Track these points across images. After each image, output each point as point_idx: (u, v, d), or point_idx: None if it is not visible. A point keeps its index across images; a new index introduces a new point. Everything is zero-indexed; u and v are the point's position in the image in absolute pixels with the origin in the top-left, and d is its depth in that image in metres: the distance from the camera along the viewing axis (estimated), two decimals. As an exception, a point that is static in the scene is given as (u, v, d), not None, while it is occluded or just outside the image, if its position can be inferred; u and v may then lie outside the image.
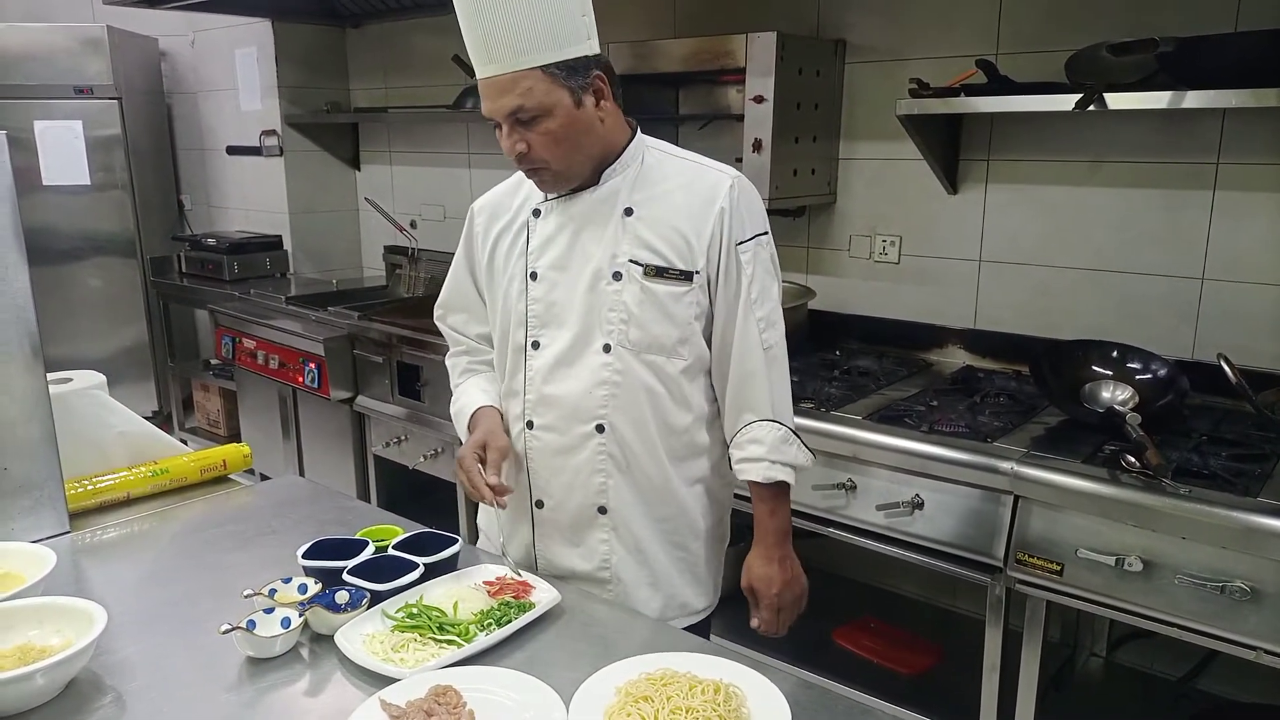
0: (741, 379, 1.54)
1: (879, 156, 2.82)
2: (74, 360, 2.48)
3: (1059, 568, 1.88)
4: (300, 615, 1.26)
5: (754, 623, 1.60)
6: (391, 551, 1.44)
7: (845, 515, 2.17)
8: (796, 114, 2.69)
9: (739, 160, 2.69)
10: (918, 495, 2.06)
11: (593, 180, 1.51)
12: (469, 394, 1.65)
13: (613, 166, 1.51)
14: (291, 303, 3.74)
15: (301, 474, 3.65)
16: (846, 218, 2.92)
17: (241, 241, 4.34)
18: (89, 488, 1.74)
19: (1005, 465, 1.93)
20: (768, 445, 1.54)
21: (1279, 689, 2.18)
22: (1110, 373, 2.18)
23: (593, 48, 1.43)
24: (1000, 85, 2.34)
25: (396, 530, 1.52)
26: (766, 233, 1.56)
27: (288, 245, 4.43)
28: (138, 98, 4.59)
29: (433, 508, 3.01)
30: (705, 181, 1.52)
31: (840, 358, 2.72)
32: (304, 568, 1.40)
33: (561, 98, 1.40)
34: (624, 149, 1.52)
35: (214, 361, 4.30)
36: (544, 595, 1.36)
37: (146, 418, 1.95)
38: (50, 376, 1.66)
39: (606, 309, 1.50)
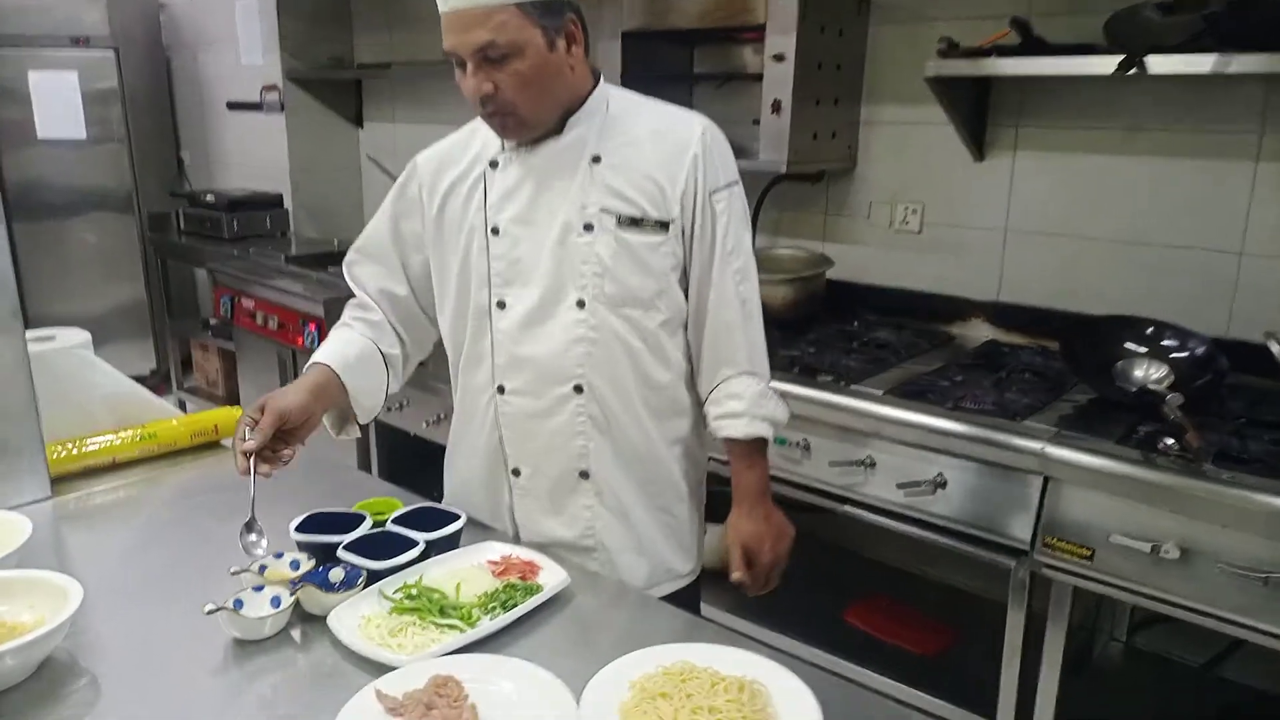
0: (717, 333, 1.48)
1: (902, 121, 2.70)
2: (69, 318, 2.40)
3: (1089, 553, 1.79)
4: (291, 594, 1.17)
5: (736, 577, 1.52)
6: (390, 527, 1.35)
7: (863, 493, 2.09)
8: (818, 74, 2.57)
9: (756, 123, 2.58)
10: (940, 474, 1.97)
11: (556, 129, 1.42)
12: (322, 348, 1.52)
13: (577, 114, 1.42)
14: (292, 262, 3.64)
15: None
16: (867, 184, 2.80)
17: (241, 199, 4.24)
18: (72, 451, 1.65)
19: (1035, 445, 1.84)
20: (747, 400, 1.48)
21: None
22: (1145, 350, 2.08)
23: None
24: (1034, 46, 2.22)
25: (396, 503, 1.44)
26: (738, 181, 1.50)
27: (288, 204, 4.32)
28: (135, 49, 4.47)
29: (436, 477, 2.92)
30: (676, 128, 1.45)
31: (858, 329, 2.62)
32: (297, 542, 1.31)
33: (534, 37, 1.31)
34: (588, 96, 1.43)
35: (213, 321, 4.22)
36: (552, 576, 1.27)
37: (144, 377, 1.87)
38: (31, 334, 1.57)
39: (579, 262, 1.41)
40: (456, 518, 1.37)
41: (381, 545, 1.29)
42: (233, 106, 4.50)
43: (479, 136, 1.50)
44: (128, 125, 4.39)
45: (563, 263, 1.42)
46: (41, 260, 4.33)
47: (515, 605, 1.18)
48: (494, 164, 1.46)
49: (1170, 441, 1.76)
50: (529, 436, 1.48)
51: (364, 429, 1.59)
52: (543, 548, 1.42)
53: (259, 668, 1.12)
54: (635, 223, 1.41)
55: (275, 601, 1.17)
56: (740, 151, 1.58)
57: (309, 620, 1.20)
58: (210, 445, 1.81)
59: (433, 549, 1.31)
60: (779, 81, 2.52)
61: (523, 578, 1.26)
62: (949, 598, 2.59)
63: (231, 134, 4.62)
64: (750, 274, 1.50)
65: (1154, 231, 2.33)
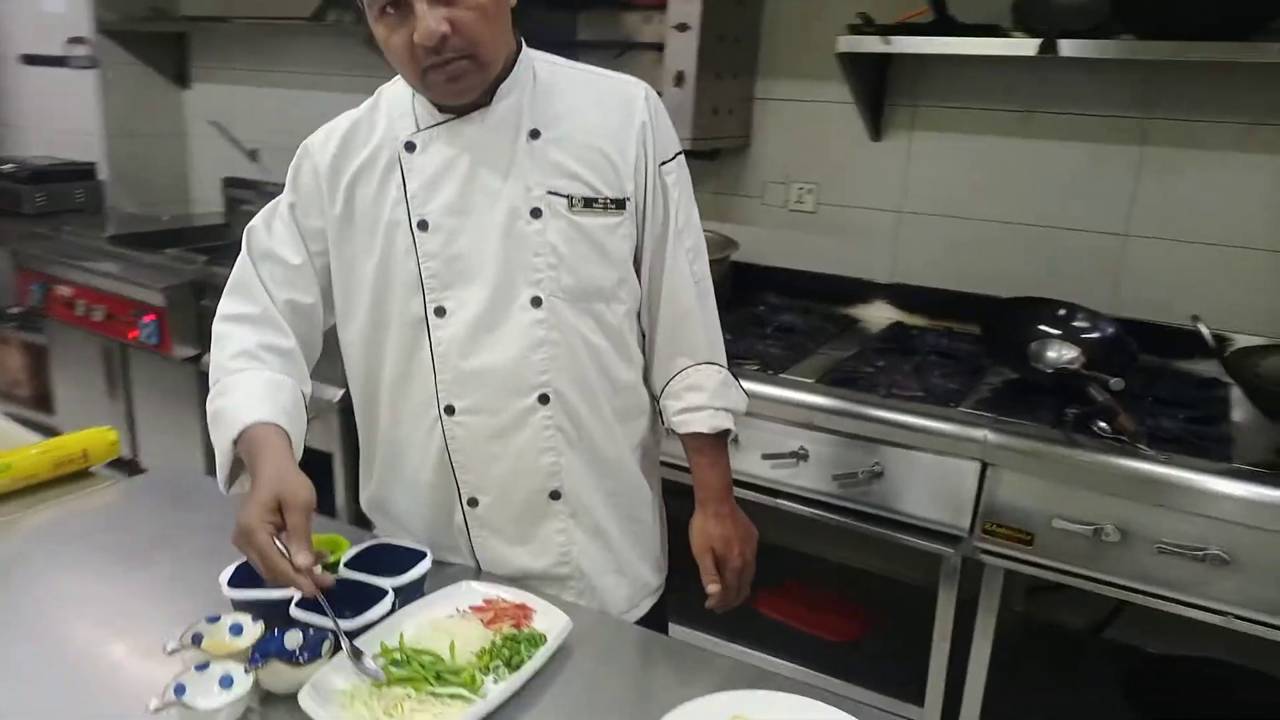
0: (674, 319, 1.36)
1: (797, 98, 2.65)
2: None
3: (1029, 537, 1.80)
4: (247, 671, 0.96)
5: (713, 589, 1.38)
6: (344, 572, 1.15)
7: (796, 485, 2.03)
8: (720, 46, 2.47)
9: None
10: (877, 463, 1.94)
11: (484, 98, 1.22)
12: (243, 396, 1.19)
13: (507, 81, 1.23)
14: (116, 243, 3.21)
15: (134, 447, 3.17)
16: (760, 163, 2.74)
17: (45, 169, 3.69)
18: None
19: (978, 433, 1.82)
20: (710, 391, 1.37)
21: (1187, 638, 2.21)
22: (1058, 332, 2.12)
23: None
24: (946, 25, 2.21)
25: (341, 541, 1.23)
26: (682, 150, 1.36)
27: (103, 174, 3.81)
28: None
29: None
30: (617, 94, 1.29)
31: (765, 313, 2.56)
32: (233, 601, 1.09)
33: None
34: (514, 63, 1.25)
35: (14, 311, 3.67)
36: (550, 620, 1.11)
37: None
38: None
39: (530, 254, 1.24)
40: (421, 555, 1.19)
41: (337, 596, 1.08)
42: (30, 61, 3.91)
43: (381, 114, 1.28)
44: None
45: (511, 256, 1.23)
46: None
47: (522, 662, 1.02)
48: (410, 146, 1.25)
49: (1104, 425, 1.79)
50: (488, 460, 1.29)
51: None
52: (511, 582, 1.25)
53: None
54: (589, 204, 1.24)
55: (225, 681, 0.96)
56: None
57: (269, 700, 0.99)
58: (79, 475, 1.51)
59: (398, 597, 1.13)
60: (683, 52, 2.40)
61: (516, 625, 1.10)
62: (859, 581, 2.59)
63: (30, 93, 4.02)
64: (702, 252, 1.37)
65: (1045, 214, 2.38)
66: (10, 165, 3.72)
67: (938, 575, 1.95)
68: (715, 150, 2.72)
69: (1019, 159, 2.38)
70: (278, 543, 1.02)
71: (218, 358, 1.25)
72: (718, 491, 1.40)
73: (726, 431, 1.39)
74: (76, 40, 3.67)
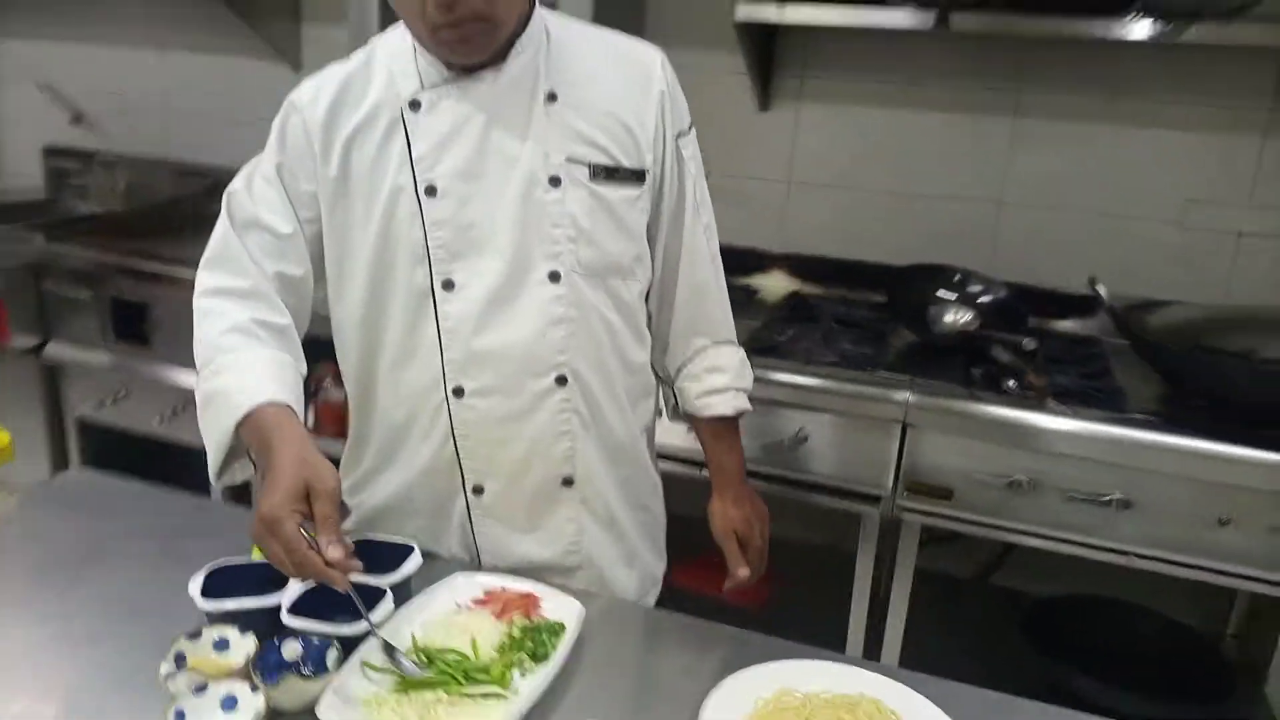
0: (691, 297, 1.33)
1: (683, 66, 2.63)
2: None
3: (949, 493, 1.89)
4: (257, 690, 0.86)
5: (743, 573, 1.38)
6: (327, 572, 1.05)
7: (720, 455, 2.03)
8: (611, 10, 2.42)
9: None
10: (802, 430, 1.97)
11: (499, 56, 1.15)
12: (246, 375, 1.08)
13: (521, 39, 1.16)
14: (-77, 221, 2.81)
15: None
16: (648, 132, 2.71)
17: None
18: None
19: (900, 395, 1.89)
20: (732, 372, 1.36)
21: (1071, 578, 2.39)
22: (954, 296, 2.22)
23: None
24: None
25: (312, 539, 1.12)
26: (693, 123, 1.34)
27: (-111, 143, 3.34)
28: None
29: (171, 480, 2.43)
30: (633, 58, 1.25)
31: (666, 284, 2.55)
32: (208, 614, 0.98)
33: None
34: (528, 19, 1.17)
35: None
36: (561, 607, 1.06)
37: None
38: None
39: (549, 225, 1.17)
40: (408, 550, 1.10)
41: (327, 601, 0.99)
42: None
43: (379, 68, 1.18)
44: None
45: (528, 227, 1.16)
46: None
47: (547, 654, 0.97)
48: (415, 104, 1.16)
49: (1012, 383, 1.89)
50: (500, 445, 1.21)
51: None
52: (511, 572, 1.19)
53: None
54: (610, 173, 1.18)
55: (229, 703, 0.86)
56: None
57: (274, 717, 0.89)
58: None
59: (393, 594, 1.04)
60: (576, 13, 2.33)
61: (526, 615, 1.04)
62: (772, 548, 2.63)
63: None
64: (714, 229, 1.35)
65: (928, 183, 2.48)
66: None
67: (847, 538, 2.01)
68: (604, 120, 2.67)
69: (902, 130, 2.47)
70: (305, 536, 0.93)
71: (207, 335, 1.12)
72: (736, 474, 1.40)
73: (742, 412, 1.38)
74: None
